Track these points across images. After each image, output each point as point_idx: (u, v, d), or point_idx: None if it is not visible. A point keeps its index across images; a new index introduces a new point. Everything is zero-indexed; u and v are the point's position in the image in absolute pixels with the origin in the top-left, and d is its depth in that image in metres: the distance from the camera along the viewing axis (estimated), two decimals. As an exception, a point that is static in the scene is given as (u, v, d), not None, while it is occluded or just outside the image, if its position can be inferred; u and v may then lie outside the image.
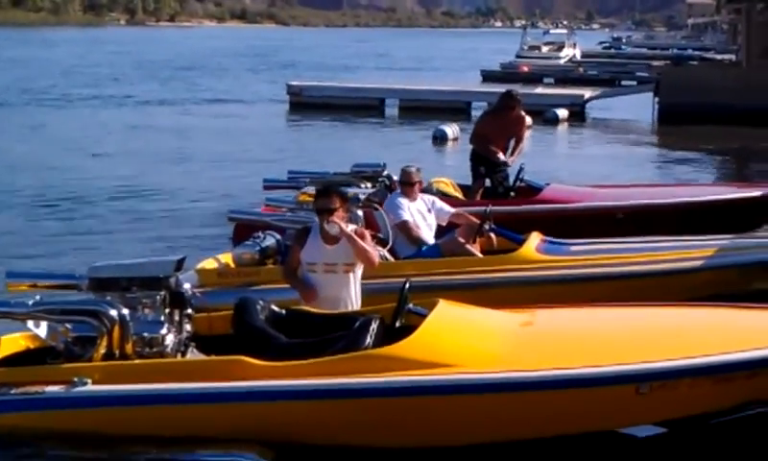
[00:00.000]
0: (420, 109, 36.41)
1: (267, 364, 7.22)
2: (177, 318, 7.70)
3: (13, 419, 7.14)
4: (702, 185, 17.43)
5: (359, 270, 8.66)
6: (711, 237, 11.43)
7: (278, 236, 10.79)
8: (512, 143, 14.94)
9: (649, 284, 10.28)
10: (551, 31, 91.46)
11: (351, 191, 12.20)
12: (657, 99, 35.56)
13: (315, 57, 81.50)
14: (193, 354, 7.72)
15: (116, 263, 8.10)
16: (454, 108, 36.04)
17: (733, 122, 30.67)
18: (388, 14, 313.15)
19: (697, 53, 70.78)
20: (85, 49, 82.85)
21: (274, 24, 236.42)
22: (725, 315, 8.23)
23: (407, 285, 7.90)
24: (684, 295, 9.61)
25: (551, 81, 51.07)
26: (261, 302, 7.97)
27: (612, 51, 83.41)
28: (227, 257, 10.86)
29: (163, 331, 7.52)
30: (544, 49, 69.28)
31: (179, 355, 7.60)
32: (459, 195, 14.24)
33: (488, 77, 52.78)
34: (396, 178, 12.58)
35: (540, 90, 39.88)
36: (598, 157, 27.20)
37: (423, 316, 7.67)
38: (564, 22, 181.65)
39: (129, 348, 7.39)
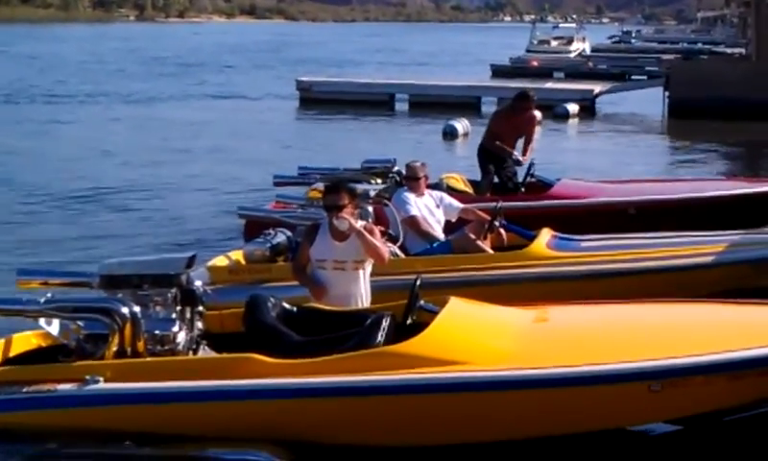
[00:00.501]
0: (430, 104, 36.35)
1: (278, 362, 7.21)
2: (188, 315, 7.69)
3: (26, 417, 7.14)
4: (713, 180, 17.43)
5: (368, 267, 8.65)
6: (724, 233, 11.37)
7: (289, 233, 10.78)
8: (520, 141, 14.91)
9: (661, 280, 10.24)
10: (561, 25, 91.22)
11: (361, 187, 12.20)
12: (667, 93, 35.46)
13: (324, 52, 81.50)
14: (204, 352, 7.72)
15: (127, 260, 8.12)
16: (464, 103, 35.99)
17: (744, 116, 30.58)
18: (397, 9, 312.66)
19: (707, 47, 70.49)
20: (94, 45, 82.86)
21: (283, 19, 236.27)
22: (737, 311, 8.20)
23: (418, 282, 7.89)
24: (697, 291, 9.54)
25: (561, 75, 50.92)
26: (272, 299, 7.96)
27: (622, 45, 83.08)
28: (237, 254, 10.85)
29: (175, 329, 7.52)
30: (554, 43, 69.14)
31: (190, 353, 7.60)
32: (469, 191, 14.23)
33: (497, 72, 52.65)
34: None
35: (549, 85, 39.77)
36: (609, 151, 27.16)
37: (435, 313, 7.65)
38: (574, 16, 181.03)
39: (140, 345, 7.39)
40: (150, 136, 28.44)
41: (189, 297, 7.69)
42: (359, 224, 8.59)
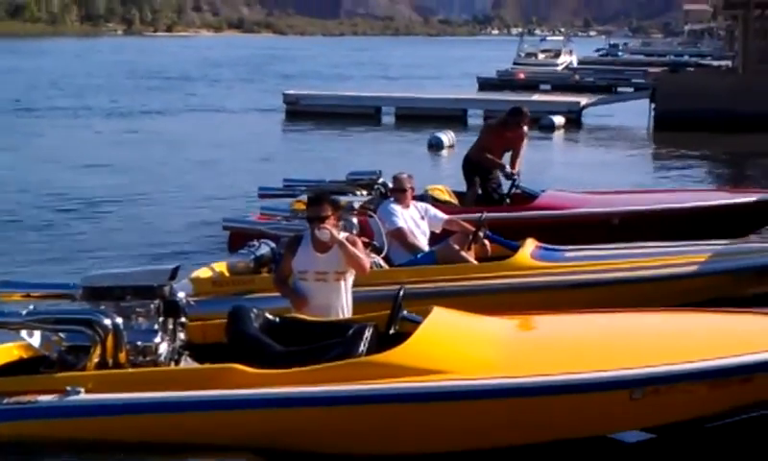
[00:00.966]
0: (417, 117, 36.45)
1: (261, 372, 7.21)
2: (170, 327, 7.69)
3: (7, 428, 7.12)
4: (697, 191, 17.49)
5: (350, 278, 8.66)
6: (706, 243, 11.44)
7: (273, 245, 10.78)
8: (507, 155, 14.89)
9: (644, 290, 10.28)
10: (548, 38, 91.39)
11: (346, 199, 12.25)
12: (653, 105, 35.59)
13: (312, 66, 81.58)
14: (187, 363, 7.71)
15: (110, 272, 8.16)
16: (450, 115, 36.10)
17: (730, 128, 30.73)
18: (385, 23, 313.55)
19: (694, 59, 70.87)
20: (81, 59, 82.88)
21: (271, 33, 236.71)
22: (719, 320, 8.23)
23: (401, 292, 7.89)
24: (680, 300, 9.61)
25: (548, 88, 51.20)
26: (255, 310, 7.96)
27: (609, 58, 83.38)
28: (221, 266, 10.85)
29: (157, 340, 7.52)
30: (541, 56, 69.32)
31: (172, 364, 7.60)
32: (454, 202, 14.23)
33: (484, 84, 52.85)
34: (390, 185, 12.59)
35: (536, 97, 39.95)
36: (594, 163, 27.22)
37: (417, 323, 7.65)
38: (562, 29, 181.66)
39: (122, 356, 7.39)
40: (136, 149, 28.41)
41: (172, 308, 7.69)
42: (341, 235, 8.60)
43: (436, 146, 28.99)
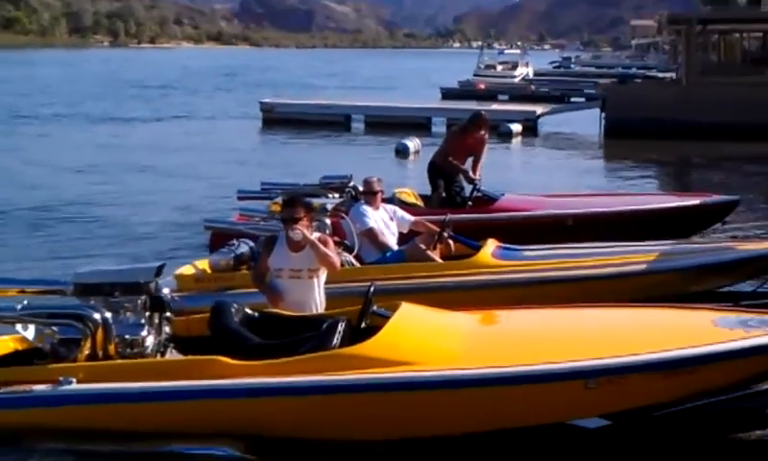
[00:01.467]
0: (384, 124, 36.39)
1: (241, 363, 7.22)
2: (156, 321, 7.72)
3: (3, 416, 7.13)
4: (645, 195, 17.54)
5: (323, 275, 8.66)
6: (654, 243, 11.51)
7: (252, 244, 10.77)
8: (469, 160, 14.93)
9: (597, 287, 10.31)
10: (506, 51, 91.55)
11: (319, 201, 12.24)
12: (603, 114, 35.65)
13: (286, 76, 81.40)
14: (172, 355, 7.74)
15: (100, 270, 8.19)
16: (416, 123, 36.06)
17: (674, 136, 30.89)
18: (354, 36, 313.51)
19: (641, 71, 71.09)
20: (70, 69, 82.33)
21: (248, 45, 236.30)
22: (666, 315, 8.28)
23: (372, 289, 7.90)
24: (630, 296, 9.65)
25: (506, 97, 51.20)
26: (236, 305, 7.96)
27: (562, 70, 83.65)
28: (203, 264, 10.84)
29: (144, 333, 7.56)
30: (499, 68, 69.30)
31: (158, 356, 7.63)
32: (420, 204, 14.24)
33: (447, 94, 52.81)
34: (361, 188, 12.58)
35: (495, 106, 39.93)
36: (549, 168, 27.29)
37: (387, 317, 7.68)
38: (518, 43, 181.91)
39: (111, 349, 7.43)
40: (120, 156, 28.11)
41: (158, 303, 7.73)
42: (314, 235, 8.60)
43: (402, 152, 28.98)
